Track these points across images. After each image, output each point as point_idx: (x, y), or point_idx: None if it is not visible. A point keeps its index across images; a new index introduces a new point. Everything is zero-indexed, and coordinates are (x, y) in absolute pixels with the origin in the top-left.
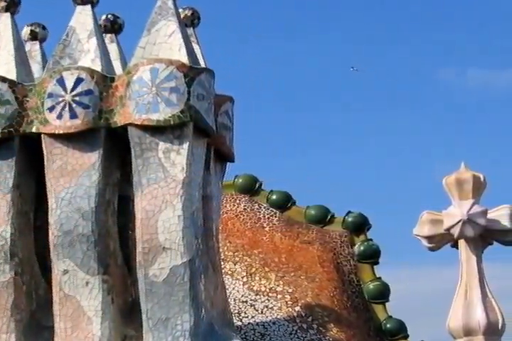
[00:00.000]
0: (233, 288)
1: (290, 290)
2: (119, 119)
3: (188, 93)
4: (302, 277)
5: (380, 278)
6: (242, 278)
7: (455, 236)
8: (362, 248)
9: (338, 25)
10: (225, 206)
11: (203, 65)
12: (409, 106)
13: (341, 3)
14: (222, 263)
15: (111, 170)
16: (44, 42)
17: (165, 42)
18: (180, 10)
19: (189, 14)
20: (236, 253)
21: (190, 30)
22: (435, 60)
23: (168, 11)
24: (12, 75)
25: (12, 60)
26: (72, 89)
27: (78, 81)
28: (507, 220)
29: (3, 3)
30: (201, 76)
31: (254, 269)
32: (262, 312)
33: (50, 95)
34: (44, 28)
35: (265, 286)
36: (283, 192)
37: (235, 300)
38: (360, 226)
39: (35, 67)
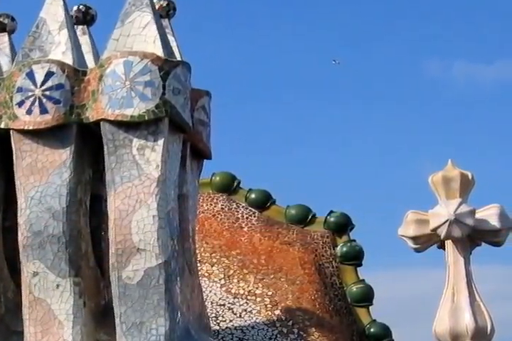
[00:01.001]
0: (210, 291)
1: (270, 293)
2: (91, 115)
3: (163, 87)
4: (282, 279)
5: (363, 280)
6: (220, 280)
7: (442, 236)
8: (345, 249)
9: (320, 18)
10: (202, 205)
11: (178, 57)
12: (393, 100)
13: None
14: (198, 264)
15: (83, 168)
16: (13, 34)
17: (139, 34)
18: (155, 0)
19: (164, 5)
20: (213, 255)
21: (165, 22)
22: (419, 52)
23: (142, 1)
24: None
25: None
26: (43, 83)
27: (49, 74)
28: (496, 220)
29: None
30: (177, 69)
31: (232, 271)
32: (240, 315)
33: (20, 89)
34: (13, 19)
35: (244, 289)
36: (262, 190)
37: (212, 303)
38: (342, 226)
39: (4, 60)
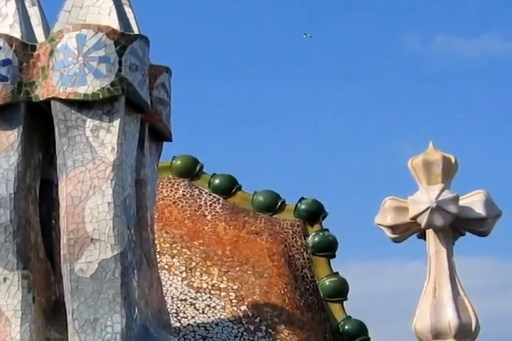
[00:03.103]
0: (170, 285)
1: (235, 287)
2: (41, 93)
3: (119, 63)
4: (249, 272)
5: (337, 273)
6: (181, 273)
7: (422, 225)
8: (317, 239)
9: None
10: (161, 191)
11: (136, 31)
12: (369, 76)
13: None
14: (158, 256)
15: (32, 151)
16: None
17: (93, 5)
18: None
19: None
20: (174, 245)
21: None
22: (398, 24)
23: None
24: None
25: None
26: None
27: None
28: (481, 208)
29: None
30: (134, 44)
31: (194, 263)
32: (203, 311)
33: None
34: None
35: (207, 283)
36: (227, 175)
37: (172, 298)
38: (314, 214)
39: None
